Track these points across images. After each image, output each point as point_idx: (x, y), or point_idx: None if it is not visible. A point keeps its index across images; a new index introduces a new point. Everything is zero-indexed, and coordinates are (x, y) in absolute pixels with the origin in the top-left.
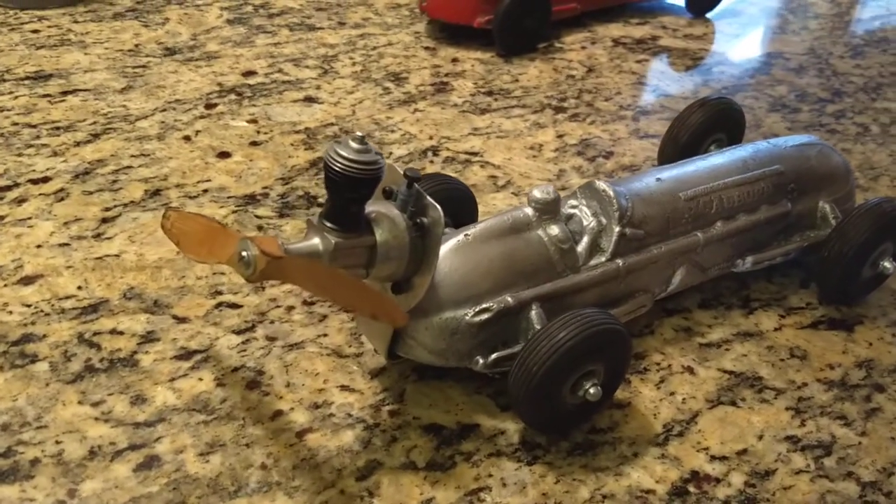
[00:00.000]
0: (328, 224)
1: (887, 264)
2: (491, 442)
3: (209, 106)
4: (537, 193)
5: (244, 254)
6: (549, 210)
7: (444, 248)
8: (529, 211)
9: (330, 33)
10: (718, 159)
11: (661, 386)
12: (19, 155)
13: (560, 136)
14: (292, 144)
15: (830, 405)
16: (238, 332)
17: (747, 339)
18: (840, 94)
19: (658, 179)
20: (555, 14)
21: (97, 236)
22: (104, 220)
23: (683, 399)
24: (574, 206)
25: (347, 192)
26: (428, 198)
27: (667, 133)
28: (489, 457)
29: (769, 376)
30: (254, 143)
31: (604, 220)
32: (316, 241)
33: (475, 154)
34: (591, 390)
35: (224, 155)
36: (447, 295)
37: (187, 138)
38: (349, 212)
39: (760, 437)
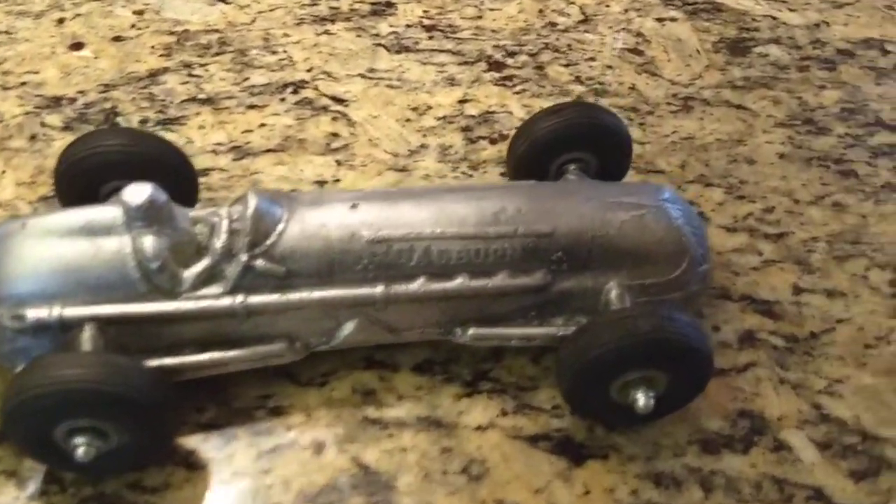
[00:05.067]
0: None
1: (640, 398)
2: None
3: None
4: (127, 195)
5: None
6: (143, 217)
7: None
8: (118, 212)
9: None
10: (464, 198)
11: (263, 459)
12: None
13: (463, 102)
14: (153, 47)
15: None
16: None
17: (429, 430)
18: None
19: (353, 206)
20: None
21: None
22: None
23: (272, 485)
24: (219, 217)
25: None
26: None
27: (511, 138)
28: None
29: (406, 489)
30: (117, 38)
31: (240, 243)
32: None
33: (341, 102)
34: (81, 450)
35: (77, 46)
36: None
37: (61, 21)
38: None
39: None
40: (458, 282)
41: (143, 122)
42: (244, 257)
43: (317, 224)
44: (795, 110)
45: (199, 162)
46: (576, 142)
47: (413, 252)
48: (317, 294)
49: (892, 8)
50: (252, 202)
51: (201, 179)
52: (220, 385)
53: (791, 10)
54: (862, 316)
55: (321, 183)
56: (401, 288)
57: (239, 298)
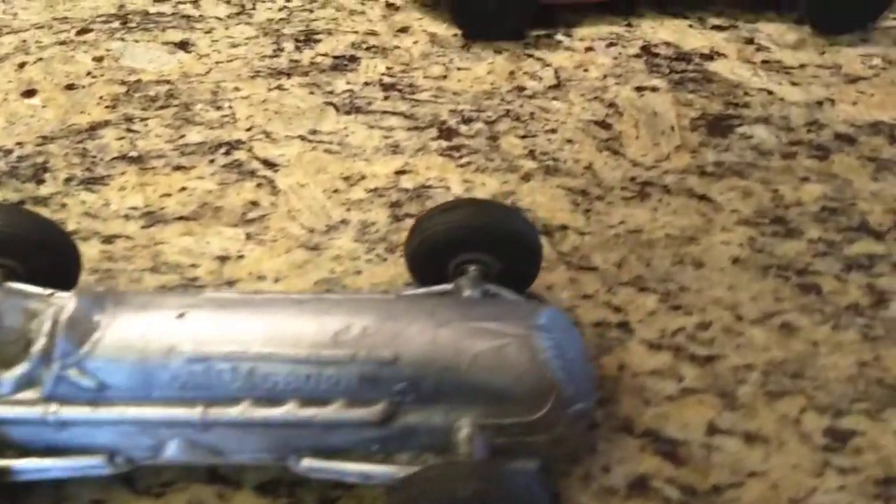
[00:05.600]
0: None
1: None
2: None
3: (82, 32)
4: None
5: None
6: None
7: None
8: None
9: None
10: (307, 312)
11: None
12: None
13: (401, 172)
14: (102, 97)
15: None
16: None
17: None
18: None
19: (180, 315)
20: None
21: None
22: None
23: None
24: (46, 316)
25: None
26: None
27: (408, 232)
28: None
29: None
30: (69, 87)
31: (57, 349)
32: None
33: (272, 166)
34: None
35: (29, 94)
36: None
37: (22, 65)
38: None
39: None
40: (285, 409)
41: (69, 180)
42: (56, 366)
43: (136, 334)
44: (766, 206)
45: (110, 227)
46: (469, 244)
47: (236, 373)
48: (131, 411)
49: None
50: (70, 306)
51: (106, 247)
52: (59, 483)
53: (793, 84)
54: (781, 469)
55: (224, 258)
56: (220, 412)
57: (52, 408)
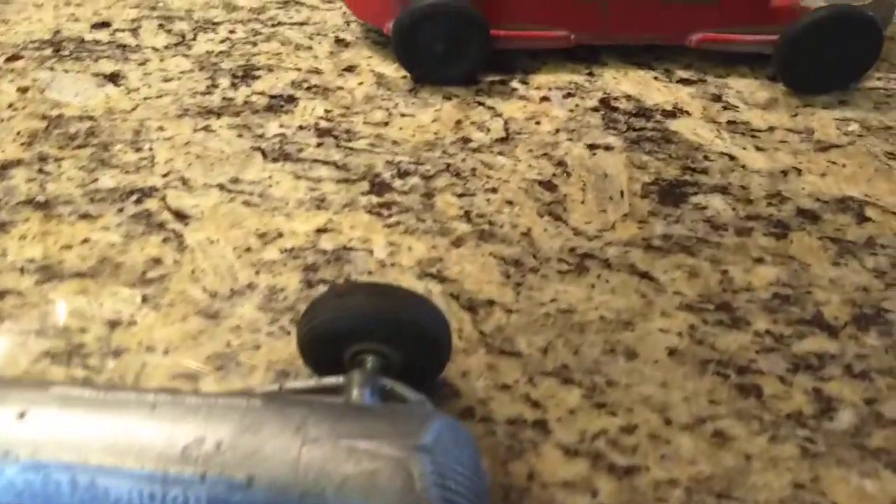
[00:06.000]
0: None
1: None
2: None
3: (12, 58)
4: None
5: None
6: None
7: None
8: None
9: None
10: (160, 418)
11: None
12: None
13: (322, 231)
14: (19, 133)
15: None
16: None
17: None
18: None
19: (21, 415)
20: (523, 42)
21: None
22: None
23: None
24: None
25: None
26: None
27: (301, 315)
28: None
29: None
30: None
31: None
32: None
33: (183, 219)
34: None
35: None
36: None
37: None
38: None
39: None
40: None
41: None
42: None
43: None
44: (713, 289)
45: (2, 281)
46: (363, 334)
47: (75, 485)
48: None
49: (894, 157)
50: None
51: None
52: None
53: (759, 150)
54: None
55: (115, 324)
56: None
57: None
